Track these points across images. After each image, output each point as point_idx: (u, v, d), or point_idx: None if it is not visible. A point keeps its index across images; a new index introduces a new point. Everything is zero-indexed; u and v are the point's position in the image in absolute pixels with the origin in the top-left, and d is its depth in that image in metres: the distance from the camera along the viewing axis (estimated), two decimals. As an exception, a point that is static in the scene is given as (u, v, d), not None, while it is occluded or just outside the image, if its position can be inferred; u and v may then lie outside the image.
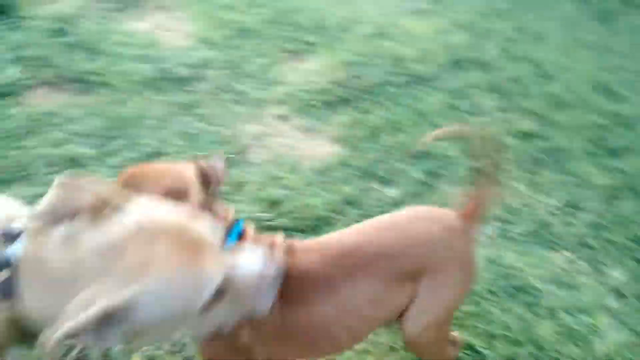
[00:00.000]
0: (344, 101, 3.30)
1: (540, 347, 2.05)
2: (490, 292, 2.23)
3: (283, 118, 3.13)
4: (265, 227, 2.41)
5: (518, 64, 3.74)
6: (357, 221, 2.46)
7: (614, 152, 3.08)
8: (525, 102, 3.39)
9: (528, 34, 4.08)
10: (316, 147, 2.95)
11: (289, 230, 2.42)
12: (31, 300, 0.98)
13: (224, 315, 1.10)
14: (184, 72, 3.35)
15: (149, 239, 0.97)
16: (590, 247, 2.52)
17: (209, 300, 1.01)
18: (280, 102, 3.23)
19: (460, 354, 1.97)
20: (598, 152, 3.04)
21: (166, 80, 3.26)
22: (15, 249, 0.99)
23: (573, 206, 2.70)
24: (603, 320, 2.18)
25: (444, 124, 3.15)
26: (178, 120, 2.95)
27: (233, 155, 2.77)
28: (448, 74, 3.61)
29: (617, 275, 2.39)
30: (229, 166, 2.67)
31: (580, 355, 2.03)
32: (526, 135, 3.16)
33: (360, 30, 3.89)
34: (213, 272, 1.01)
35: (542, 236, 2.55)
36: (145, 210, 1.04)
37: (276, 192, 2.57)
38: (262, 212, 2.48)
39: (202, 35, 3.66)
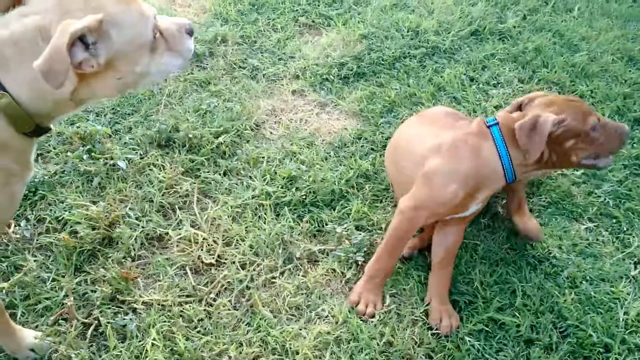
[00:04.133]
0: (360, 75, 3.24)
1: (561, 317, 2.02)
2: (512, 262, 2.20)
3: (298, 93, 3.09)
4: (282, 203, 2.40)
5: (539, 34, 3.63)
6: (374, 196, 2.48)
7: (638, 121, 2.99)
8: (547, 73, 3.30)
9: (550, 3, 3.95)
10: (332, 121, 2.91)
11: (305, 205, 2.40)
12: (18, 83, 1.28)
13: (167, 63, 1.53)
14: (198, 48, 3.32)
15: None
16: (613, 217, 2.46)
17: (152, 41, 1.43)
18: (296, 77, 3.18)
19: (481, 326, 1.96)
20: (623, 122, 2.94)
21: (181, 57, 3.23)
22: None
23: (596, 176, 2.63)
24: (625, 290, 2.14)
25: (462, 96, 3.09)
26: (192, 96, 2.93)
27: (248, 132, 2.75)
28: (467, 45, 3.52)
29: (639, 244, 2.33)
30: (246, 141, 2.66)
31: (602, 324, 2.00)
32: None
33: (378, 3, 3.80)
34: (148, 10, 1.42)
35: (564, 207, 2.50)
36: None
37: (292, 167, 2.55)
38: (278, 187, 2.46)
39: (217, 10, 3.61)
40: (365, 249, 2.21)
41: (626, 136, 2.06)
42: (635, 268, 2.25)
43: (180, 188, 2.44)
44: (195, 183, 2.47)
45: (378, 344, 1.90)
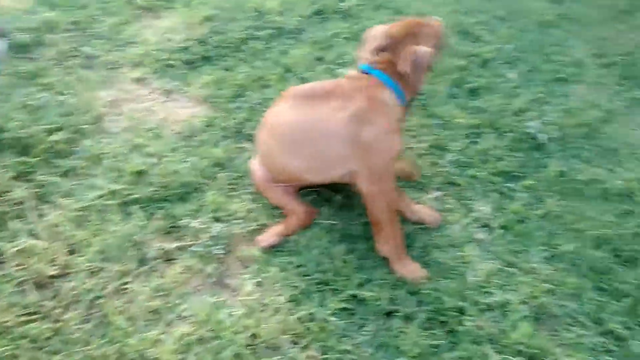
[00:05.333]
0: (206, 59, 3.13)
1: (414, 291, 2.09)
2: (370, 238, 2.24)
3: (140, 81, 2.91)
4: (130, 201, 2.25)
5: (378, 11, 3.74)
6: (230, 185, 2.41)
7: (473, 92, 3.18)
8: (388, 50, 3.40)
9: (388, -19, 4.09)
10: (179, 109, 2.78)
11: (156, 201, 2.28)
12: None
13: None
14: (24, 37, 3.01)
15: None
16: (457, 185, 2.60)
17: None
18: (136, 64, 3.00)
19: (343, 304, 1.98)
20: (460, 94, 3.13)
21: (2, 48, 2.90)
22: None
23: (439, 147, 2.77)
24: (473, 253, 2.27)
25: (310, 76, 3.09)
26: (19, 91, 2.64)
27: (86, 126, 2.54)
28: (312, 25, 3.53)
29: (482, 208, 2.49)
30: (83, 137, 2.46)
31: (455, 288, 2.10)
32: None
33: (219, -17, 3.69)
34: None
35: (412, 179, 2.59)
36: None
37: (139, 162, 2.40)
38: (126, 184, 2.30)
39: (40, -6, 3.30)
40: (224, 241, 2.15)
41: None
42: (480, 231, 2.39)
43: (13, 195, 2.20)
44: (29, 188, 2.23)
45: (243, 338, 1.85)
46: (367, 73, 2.19)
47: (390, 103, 2.15)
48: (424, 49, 2.10)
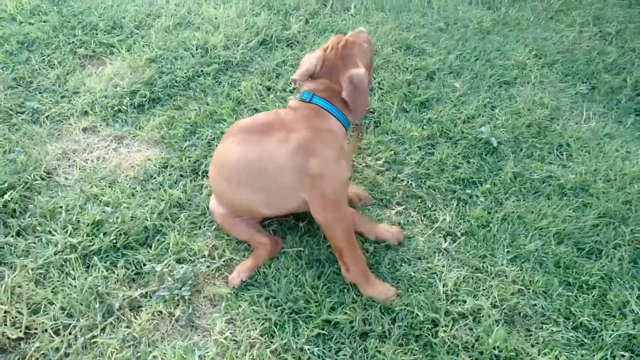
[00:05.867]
0: (155, 100, 3.11)
1: (386, 308, 2.09)
2: (335, 261, 2.24)
3: (90, 130, 2.87)
4: (90, 253, 2.20)
5: (323, 35, 3.79)
6: (191, 224, 2.38)
7: (423, 104, 3.23)
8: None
9: (328, 5, 4.14)
10: (132, 154, 2.75)
11: (117, 250, 2.23)
12: None
13: None
14: (-36, 98, 2.94)
15: None
16: (418, 197, 2.63)
17: None
18: (84, 113, 2.96)
19: (317, 330, 1.96)
20: (410, 107, 3.17)
21: (-57, 112, 2.84)
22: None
23: (396, 162, 2.80)
24: (440, 263, 2.29)
25: (262, 106, 3.10)
26: (-36, 154, 2.58)
27: (38, 182, 2.49)
28: (258, 55, 3.55)
29: (445, 217, 2.52)
30: (37, 193, 2.40)
31: (425, 301, 2.11)
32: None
33: (160, 24, 3.68)
34: None
35: (374, 196, 2.61)
36: None
37: (95, 212, 2.36)
38: (84, 236, 2.26)
39: (-20, 54, 3.24)
40: (190, 282, 2.11)
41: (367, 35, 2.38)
42: (445, 240, 2.42)
43: (-34, 261, 2.13)
44: (-17, 252, 2.17)
45: (219, 378, 1.82)
46: (308, 102, 2.20)
47: (333, 130, 2.16)
48: (358, 72, 2.12)
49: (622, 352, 1.99)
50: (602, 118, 3.24)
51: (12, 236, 2.25)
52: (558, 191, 2.68)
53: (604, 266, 2.30)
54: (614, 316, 2.11)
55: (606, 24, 4.29)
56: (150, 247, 2.27)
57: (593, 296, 2.17)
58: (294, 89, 3.09)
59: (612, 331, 2.05)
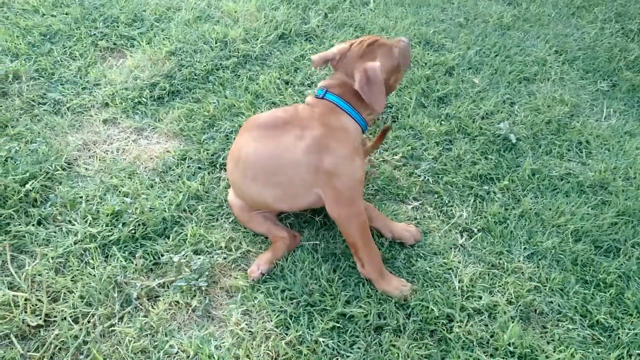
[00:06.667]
0: (175, 93, 3.13)
1: (402, 303, 2.09)
2: (350, 255, 2.25)
3: (111, 121, 2.90)
4: (109, 242, 2.24)
5: (342, 30, 3.78)
6: (209, 216, 2.40)
7: (441, 100, 3.22)
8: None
9: (351, 0, 4.14)
10: (151, 146, 2.78)
11: (136, 240, 2.26)
12: None
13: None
14: (-12, 89, 2.99)
15: None
16: (435, 193, 2.62)
17: None
18: (105, 104, 2.99)
19: (332, 323, 1.97)
20: (428, 103, 3.17)
21: (-33, 102, 2.89)
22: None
23: (413, 157, 2.79)
24: (456, 259, 2.29)
25: (280, 100, 3.11)
26: (-12, 144, 2.62)
27: (59, 172, 2.52)
28: (277, 49, 3.56)
29: (461, 213, 2.51)
30: (58, 184, 2.44)
31: (441, 296, 2.11)
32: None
33: (180, 17, 3.70)
34: None
35: (391, 191, 2.61)
36: None
37: (115, 202, 2.39)
38: (103, 226, 2.29)
39: (3, 45, 3.28)
40: (207, 273, 2.14)
41: (409, 46, 2.37)
42: (462, 236, 2.42)
43: (-11, 249, 2.17)
44: (5, 240, 2.21)
45: (235, 369, 1.84)
46: (322, 98, 2.20)
47: (346, 128, 2.16)
48: (373, 64, 2.12)
49: (639, 351, 1.97)
50: (622, 116, 3.21)
51: (33, 225, 2.29)
52: (577, 189, 2.66)
53: (621, 264, 2.29)
54: (631, 315, 2.10)
55: (628, 20, 4.24)
56: (168, 238, 2.30)
57: (610, 294, 2.16)
58: (312, 82, 3.10)
59: (629, 330, 2.03)
